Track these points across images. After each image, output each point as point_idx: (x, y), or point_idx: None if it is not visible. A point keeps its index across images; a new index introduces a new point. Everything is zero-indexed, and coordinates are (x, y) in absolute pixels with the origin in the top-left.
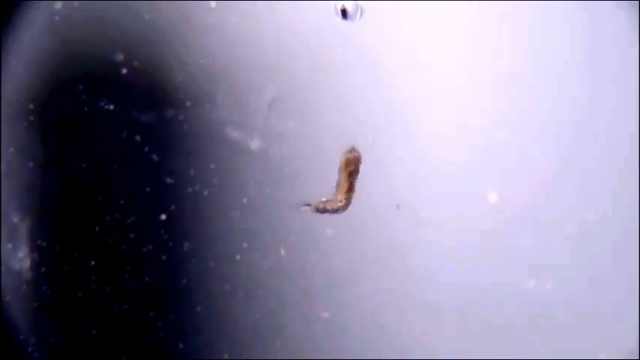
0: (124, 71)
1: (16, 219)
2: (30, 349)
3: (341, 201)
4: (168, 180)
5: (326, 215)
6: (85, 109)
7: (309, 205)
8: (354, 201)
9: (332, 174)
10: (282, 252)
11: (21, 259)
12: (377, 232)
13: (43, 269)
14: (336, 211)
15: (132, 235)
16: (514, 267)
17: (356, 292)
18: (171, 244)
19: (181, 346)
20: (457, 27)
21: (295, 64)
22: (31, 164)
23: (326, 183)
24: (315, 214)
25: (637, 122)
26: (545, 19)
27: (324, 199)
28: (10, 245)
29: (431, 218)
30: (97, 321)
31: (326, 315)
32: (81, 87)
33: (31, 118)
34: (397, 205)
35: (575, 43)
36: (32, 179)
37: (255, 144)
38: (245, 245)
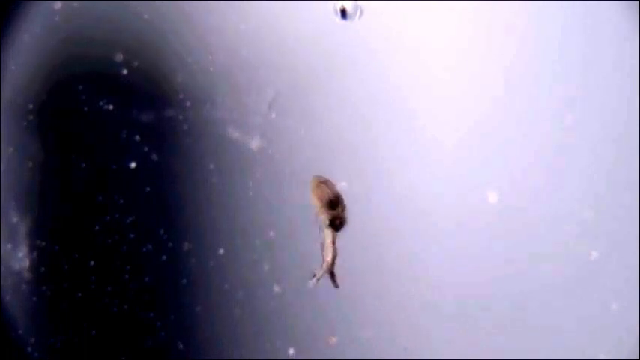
0: (124, 71)
1: (16, 219)
2: (30, 349)
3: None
4: (168, 180)
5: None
6: (85, 109)
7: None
8: (354, 200)
9: (332, 174)
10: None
11: (21, 259)
12: (377, 232)
13: (43, 269)
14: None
15: (132, 235)
16: (514, 267)
17: (356, 291)
18: (171, 244)
19: (181, 346)
20: (457, 27)
21: (295, 64)
22: (31, 164)
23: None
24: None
25: (637, 122)
26: (545, 19)
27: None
28: (10, 245)
29: (430, 218)
30: (97, 321)
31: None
32: (81, 87)
33: (31, 118)
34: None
35: (574, 43)
36: (32, 179)
37: (255, 144)
38: (245, 245)
